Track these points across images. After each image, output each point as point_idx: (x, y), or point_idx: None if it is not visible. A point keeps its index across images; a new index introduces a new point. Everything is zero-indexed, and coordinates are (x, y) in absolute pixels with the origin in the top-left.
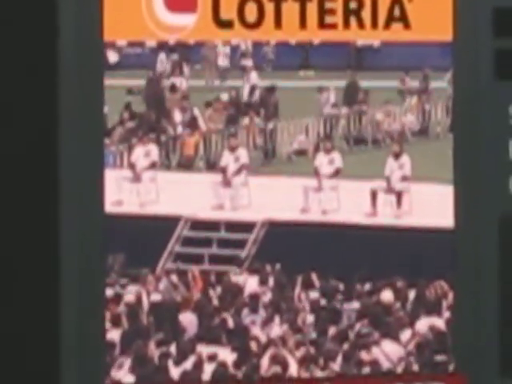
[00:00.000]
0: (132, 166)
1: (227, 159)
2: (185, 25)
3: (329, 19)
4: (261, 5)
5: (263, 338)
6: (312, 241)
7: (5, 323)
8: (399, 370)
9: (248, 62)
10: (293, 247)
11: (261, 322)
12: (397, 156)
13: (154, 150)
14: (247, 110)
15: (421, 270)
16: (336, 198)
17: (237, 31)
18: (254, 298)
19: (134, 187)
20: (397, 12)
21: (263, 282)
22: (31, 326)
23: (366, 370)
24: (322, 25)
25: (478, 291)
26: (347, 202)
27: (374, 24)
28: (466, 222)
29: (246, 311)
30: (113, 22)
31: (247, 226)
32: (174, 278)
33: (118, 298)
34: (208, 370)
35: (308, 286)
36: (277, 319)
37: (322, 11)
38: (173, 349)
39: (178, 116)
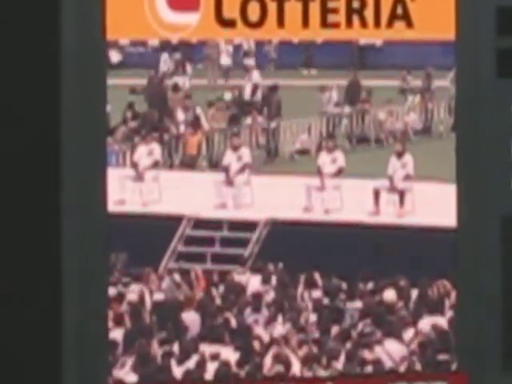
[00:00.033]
0: (135, 165)
1: (230, 158)
2: (187, 24)
3: (331, 18)
4: (263, 4)
5: (266, 337)
6: (315, 240)
7: (7, 322)
8: (402, 369)
9: (251, 61)
10: (295, 246)
11: (263, 321)
12: (399, 155)
13: (156, 149)
14: (250, 109)
15: (423, 269)
16: (339, 197)
17: (239, 30)
18: (257, 297)
19: (137, 186)
20: (399, 11)
21: (266, 281)
22: (33, 325)
23: (369, 369)
24: (324, 24)
25: (480, 290)
26: (350, 201)
27: (377, 23)
28: (469, 220)
29: (248, 310)
30: (115, 21)
31: (250, 225)
32: (177, 277)
33: (120, 297)
34: (211, 369)
35: (311, 285)
36: (280, 318)
37: (325, 10)
38: (176, 348)
39: (180, 115)
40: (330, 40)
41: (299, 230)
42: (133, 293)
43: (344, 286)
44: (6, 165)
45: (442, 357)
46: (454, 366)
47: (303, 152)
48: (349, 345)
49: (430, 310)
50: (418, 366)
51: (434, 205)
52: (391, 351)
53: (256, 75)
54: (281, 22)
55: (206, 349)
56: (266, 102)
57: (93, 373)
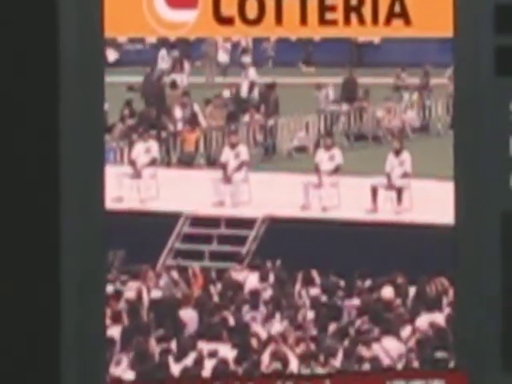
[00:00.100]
0: (132, 163)
1: (227, 156)
2: (185, 21)
3: (329, 16)
4: (261, 1)
5: (264, 335)
6: (312, 237)
7: (6, 320)
8: (399, 366)
9: (248, 59)
10: (293, 244)
11: (261, 319)
12: (397, 152)
13: (154, 147)
14: (247, 107)
15: (421, 267)
16: (336, 195)
17: (237, 28)
18: (255, 294)
19: (135, 183)
20: (397, 8)
21: (264, 278)
22: (32, 322)
23: (367, 366)
24: (322, 21)
25: (478, 288)
26: (348, 199)
27: (375, 20)
28: (467, 218)
29: (246, 308)
30: (113, 18)
31: (248, 223)
32: (175, 274)
33: (118, 294)
34: (208, 366)
35: (308, 282)
36: (277, 316)
37: (323, 8)
38: (173, 345)
39: (178, 112)
40: (328, 38)
41: (297, 227)
42: (130, 290)
43: (342, 283)
44: (5, 163)
45: (440, 354)
46: (451, 364)
47: (301, 149)
48: (346, 342)
49: (428, 308)
50: (416, 364)
51: (432, 202)
52: (389, 349)
53: (252, 73)
54: (279, 19)
55: (204, 346)
56: (263, 99)
57: (91, 370)
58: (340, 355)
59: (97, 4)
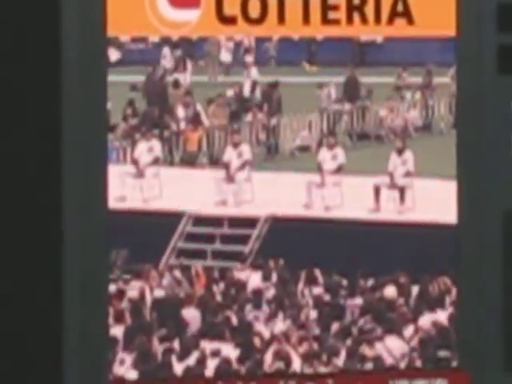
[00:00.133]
0: (135, 162)
1: (230, 155)
2: (188, 20)
3: (332, 15)
4: (264, 1)
5: (266, 334)
6: (315, 236)
7: (8, 319)
8: (402, 365)
9: (251, 58)
10: (296, 243)
11: (264, 318)
12: (400, 152)
13: (157, 146)
14: (250, 106)
15: (424, 266)
16: (339, 194)
17: (240, 27)
18: (258, 293)
19: (137, 183)
20: (400, 7)
21: (266, 277)
22: (34, 322)
23: (369, 365)
24: (325, 20)
25: (481, 287)
26: (350, 198)
27: (378, 20)
28: (470, 217)
29: (249, 307)
30: (116, 18)
31: (250, 222)
32: (178, 273)
33: (121, 293)
34: (211, 365)
35: (311, 281)
36: (280, 315)
37: (326, 7)
38: (176, 345)
39: (181, 112)
40: (330, 37)
41: (300, 226)
42: (133, 290)
43: (344, 282)
44: (6, 163)
45: (443, 354)
46: (454, 363)
47: (304, 149)
48: (349, 341)
49: (431, 307)
50: (419, 363)
51: (435, 202)
52: (392, 348)
53: (254, 72)
54: (281, 18)
55: (207, 345)
56: (266, 98)
57: (93, 370)
58: (343, 354)
59: (99, 3)
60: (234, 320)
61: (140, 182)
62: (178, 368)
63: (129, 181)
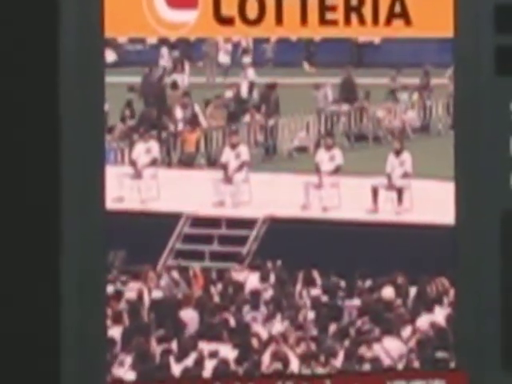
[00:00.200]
0: (133, 163)
1: (228, 156)
2: (186, 21)
3: (330, 16)
4: (262, 1)
5: (264, 335)
6: (313, 237)
7: (6, 320)
8: (400, 366)
9: (249, 59)
10: (294, 244)
11: (262, 319)
12: (398, 153)
13: (154, 147)
14: (248, 107)
15: (422, 267)
16: (337, 195)
17: (238, 28)
18: (255, 294)
19: (135, 184)
20: (397, 8)
21: (264, 278)
22: (32, 323)
23: (367, 366)
24: (322, 21)
25: (479, 288)
26: (348, 199)
27: (375, 21)
28: (467, 218)
29: (247, 308)
30: (113, 19)
31: (248, 223)
32: (175, 274)
33: (118, 294)
34: (209, 366)
35: (309, 282)
36: (278, 316)
37: (323, 8)
38: (174, 345)
39: (179, 113)
40: (328, 38)
41: (298, 227)
42: (131, 291)
43: (342, 283)
44: (5, 164)
45: (441, 354)
46: (452, 364)
47: (301, 150)
48: (347, 342)
49: (429, 308)
50: (417, 364)
51: (433, 202)
52: (389, 349)
53: (252, 73)
54: (279, 19)
55: (205, 346)
56: (264, 99)
57: (91, 371)
58: (341, 355)
59: (97, 4)
60: (232, 321)
61: (138, 183)
62: (176, 369)
63: (127, 182)
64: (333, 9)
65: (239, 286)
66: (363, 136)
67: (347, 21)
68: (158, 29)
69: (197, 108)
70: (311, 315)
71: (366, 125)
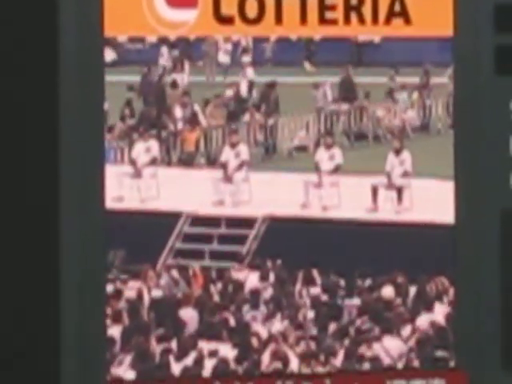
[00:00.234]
0: (133, 162)
1: (228, 155)
2: (185, 20)
3: (329, 15)
4: (261, 1)
5: (264, 334)
6: (313, 237)
7: (5, 319)
8: (400, 365)
9: (248, 58)
10: (294, 243)
11: (262, 318)
12: (397, 152)
13: (154, 146)
14: (247, 106)
15: (421, 266)
16: (336, 194)
17: (237, 27)
18: (255, 293)
19: (135, 183)
20: (397, 8)
21: (264, 277)
22: (32, 322)
23: (367, 365)
24: (322, 20)
25: (478, 287)
26: (348, 198)
27: (375, 20)
28: (467, 217)
29: (246, 307)
30: (113, 18)
31: (248, 222)
32: (175, 274)
33: (118, 294)
34: (209, 365)
35: (309, 281)
36: (278, 315)
37: (323, 7)
38: (174, 345)
39: (178, 112)
40: (328, 37)
41: (297, 226)
42: (131, 290)
43: (342, 282)
44: (4, 163)
45: (441, 354)
46: (452, 363)
47: (301, 149)
48: (347, 341)
49: (428, 307)
50: (416, 363)
51: (433, 202)
52: (389, 348)
53: (251, 72)
54: (279, 18)
55: (204, 346)
56: (264, 98)
57: (91, 370)
58: (340, 354)
59: (97, 3)
60: (232, 320)
61: (137, 182)
62: (176, 368)
63: (126, 181)
64: (332, 8)
65: (239, 285)
66: (363, 135)
67: (347, 20)
68: (158, 28)
69: (196, 107)
70: (311, 314)
71: (365, 124)
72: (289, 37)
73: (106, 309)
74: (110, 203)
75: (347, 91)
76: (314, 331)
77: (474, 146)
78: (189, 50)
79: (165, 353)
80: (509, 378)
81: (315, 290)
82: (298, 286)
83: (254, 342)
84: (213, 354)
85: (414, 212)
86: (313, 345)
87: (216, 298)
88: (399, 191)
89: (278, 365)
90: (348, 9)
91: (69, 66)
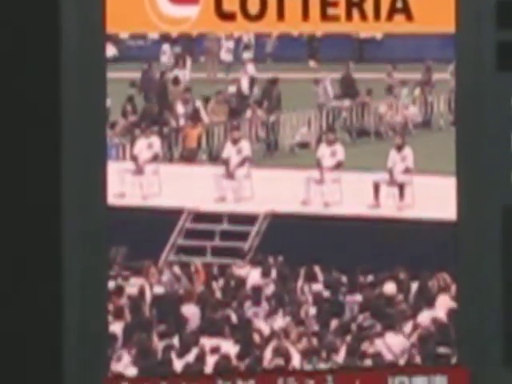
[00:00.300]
0: (134, 159)
1: (230, 151)
2: (187, 17)
3: (331, 11)
4: None
5: (266, 331)
6: (315, 233)
7: (8, 317)
8: (402, 362)
9: (250, 55)
10: (295, 239)
11: (263, 315)
12: (399, 148)
13: (156, 143)
14: (249, 103)
15: (423, 263)
16: (338, 190)
17: (239, 23)
18: (257, 290)
19: (137, 180)
20: (399, 4)
21: (266, 274)
22: (34, 319)
23: (369, 362)
24: (324, 17)
25: (480, 283)
26: (349, 194)
27: (377, 16)
28: (469, 214)
29: (248, 303)
30: (115, 14)
31: (250, 218)
32: (177, 270)
33: (120, 290)
34: (211, 362)
35: (311, 278)
36: (280, 311)
37: (325, 3)
38: (176, 341)
39: (180, 108)
40: (330, 33)
41: (299, 223)
42: (133, 286)
43: (344, 279)
44: (6, 160)
45: (443, 350)
46: (454, 360)
47: (303, 145)
48: (349, 338)
49: (430, 304)
50: (418, 359)
51: (434, 198)
52: (391, 344)
53: (252, 68)
54: (281, 15)
55: (206, 342)
56: (265, 95)
57: (93, 366)
58: (342, 351)
59: (98, 0)
60: (234, 316)
61: (139, 178)
62: (178, 364)
63: (128, 177)
64: (334, 4)
65: (241, 282)
66: (365, 131)
67: (349, 16)
68: (160, 24)
69: (198, 103)
70: (313, 311)
71: (367, 120)
72: (291, 33)
73: (108, 305)
74: (112, 200)
75: (349, 87)
76: (315, 327)
77: (476, 142)
78: (190, 46)
79: (167, 349)
80: (510, 375)
81: (317, 287)
82: (300, 283)
83: (256, 338)
84: (215, 350)
85: (416, 208)
86: (315, 341)
87: (218, 294)
88: (401, 187)
89: (280, 361)
90: (350, 5)
91: (71, 63)
